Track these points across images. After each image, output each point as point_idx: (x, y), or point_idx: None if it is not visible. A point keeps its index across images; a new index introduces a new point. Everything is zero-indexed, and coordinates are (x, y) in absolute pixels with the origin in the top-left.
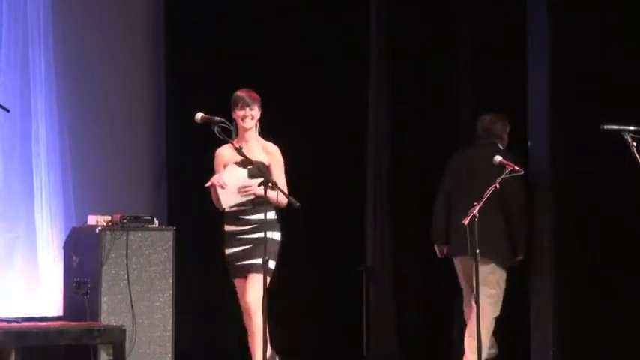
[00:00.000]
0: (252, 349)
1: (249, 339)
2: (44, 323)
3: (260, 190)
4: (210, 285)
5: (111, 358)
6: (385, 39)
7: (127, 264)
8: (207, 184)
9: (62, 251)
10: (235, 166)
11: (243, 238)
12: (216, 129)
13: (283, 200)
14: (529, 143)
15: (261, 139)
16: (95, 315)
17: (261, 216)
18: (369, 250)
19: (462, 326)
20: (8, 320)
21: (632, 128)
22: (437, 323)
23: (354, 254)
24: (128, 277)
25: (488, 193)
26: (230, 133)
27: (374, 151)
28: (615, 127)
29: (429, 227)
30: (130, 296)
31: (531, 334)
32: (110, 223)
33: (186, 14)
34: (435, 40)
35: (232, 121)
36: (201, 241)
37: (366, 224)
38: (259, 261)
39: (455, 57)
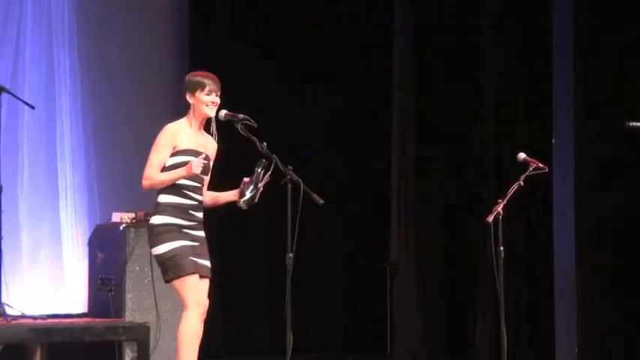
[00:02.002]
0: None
1: (195, 343)
2: (69, 320)
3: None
4: (233, 282)
5: (135, 355)
6: (409, 38)
7: (151, 261)
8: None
9: (87, 248)
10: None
11: (191, 234)
12: (239, 126)
13: None
14: (553, 140)
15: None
16: (119, 312)
17: (201, 214)
18: (392, 246)
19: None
20: (34, 317)
21: None
22: (461, 320)
23: (378, 251)
24: (152, 274)
25: (512, 191)
26: (254, 129)
27: (398, 148)
28: None
29: (452, 224)
30: (154, 293)
31: (555, 326)
32: (134, 220)
33: (211, 10)
34: (458, 36)
35: (187, 103)
36: (225, 239)
37: (390, 220)
38: (210, 265)
39: (479, 54)
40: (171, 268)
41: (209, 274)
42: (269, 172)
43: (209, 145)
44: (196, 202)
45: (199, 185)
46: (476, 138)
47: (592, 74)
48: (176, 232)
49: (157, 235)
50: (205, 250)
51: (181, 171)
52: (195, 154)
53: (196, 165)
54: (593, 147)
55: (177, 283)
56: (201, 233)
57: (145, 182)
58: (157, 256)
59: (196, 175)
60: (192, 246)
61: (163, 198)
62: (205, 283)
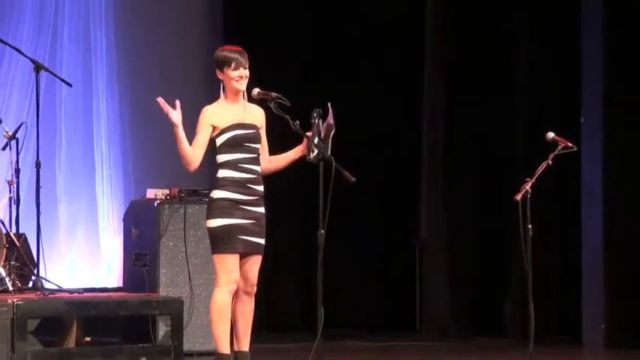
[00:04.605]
0: (244, 333)
1: (242, 323)
2: (105, 294)
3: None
4: (267, 258)
5: (169, 328)
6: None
7: (184, 237)
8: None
9: (122, 224)
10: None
11: (248, 210)
12: (272, 105)
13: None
14: (582, 119)
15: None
16: (154, 286)
17: (262, 188)
18: (422, 223)
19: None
20: (71, 291)
21: None
22: (489, 297)
23: (408, 228)
24: (186, 249)
25: (541, 170)
26: (287, 108)
27: (429, 126)
28: None
29: (482, 202)
30: (188, 268)
31: (583, 306)
32: (168, 197)
33: None
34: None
35: (218, 80)
36: None
37: (421, 198)
38: (263, 242)
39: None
40: (217, 243)
41: (260, 251)
42: (326, 121)
43: (254, 114)
44: (254, 175)
45: (255, 156)
46: (506, 117)
47: (622, 53)
48: (232, 208)
49: (214, 208)
50: (261, 227)
51: (178, 134)
52: (240, 127)
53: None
54: (622, 126)
55: (216, 257)
56: (260, 209)
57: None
58: (209, 229)
59: (247, 145)
60: (246, 224)
61: (222, 173)
62: (255, 260)
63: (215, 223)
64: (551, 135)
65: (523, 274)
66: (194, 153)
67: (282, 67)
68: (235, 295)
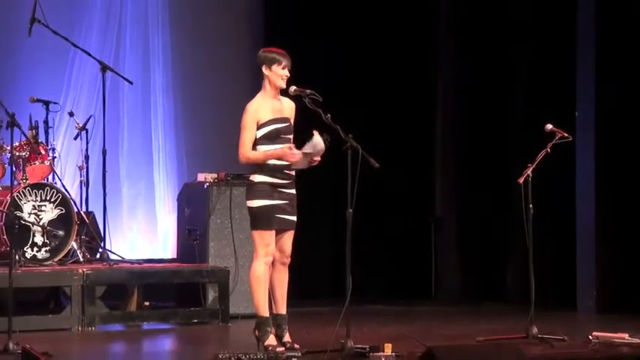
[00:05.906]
0: (281, 299)
1: (279, 290)
2: (161, 265)
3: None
4: (303, 234)
5: (217, 294)
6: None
7: (230, 215)
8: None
9: (176, 204)
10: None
11: (283, 192)
12: (307, 100)
13: None
14: (577, 113)
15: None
16: (204, 258)
17: (293, 172)
18: (437, 203)
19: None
20: (132, 262)
21: None
22: (495, 268)
23: (424, 208)
24: (231, 226)
25: (540, 156)
26: (319, 103)
27: (442, 121)
28: None
29: (489, 185)
30: (233, 242)
31: (577, 275)
32: (216, 180)
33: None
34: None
35: (259, 78)
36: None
37: (435, 181)
38: (295, 219)
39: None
40: (257, 220)
41: (293, 227)
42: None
43: (286, 108)
44: (288, 162)
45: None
46: (508, 110)
47: (613, 46)
48: (270, 191)
49: (255, 190)
50: (293, 206)
51: (273, 154)
52: (278, 121)
53: (289, 155)
54: (613, 118)
55: (255, 233)
56: (293, 191)
57: (242, 159)
58: (250, 208)
59: (282, 137)
60: (282, 204)
61: None
62: (289, 235)
63: (256, 203)
64: (549, 126)
65: (524, 247)
66: (250, 152)
67: (316, 73)
68: (272, 266)
